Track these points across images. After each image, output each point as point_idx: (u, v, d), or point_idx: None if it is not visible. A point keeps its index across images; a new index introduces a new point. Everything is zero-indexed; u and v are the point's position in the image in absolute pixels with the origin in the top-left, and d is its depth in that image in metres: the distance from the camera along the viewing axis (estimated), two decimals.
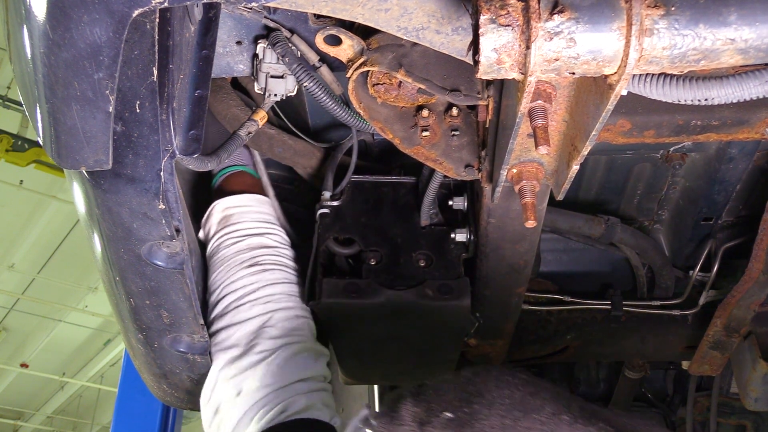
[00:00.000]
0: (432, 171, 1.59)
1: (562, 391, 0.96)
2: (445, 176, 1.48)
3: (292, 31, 1.35)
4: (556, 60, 0.85)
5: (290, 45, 1.35)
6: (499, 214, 1.51)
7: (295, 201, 2.07)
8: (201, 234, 1.66)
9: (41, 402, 15.14)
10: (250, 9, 1.30)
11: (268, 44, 1.36)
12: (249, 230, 1.61)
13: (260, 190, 1.74)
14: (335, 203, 1.69)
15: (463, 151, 1.43)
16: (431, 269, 1.59)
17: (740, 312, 2.02)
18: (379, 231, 1.66)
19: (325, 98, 1.41)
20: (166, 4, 0.84)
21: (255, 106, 1.58)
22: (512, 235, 1.58)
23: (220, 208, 1.65)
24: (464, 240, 1.63)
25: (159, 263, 1.26)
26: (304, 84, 1.38)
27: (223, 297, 1.53)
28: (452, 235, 1.64)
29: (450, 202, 1.67)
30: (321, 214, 1.67)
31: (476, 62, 0.87)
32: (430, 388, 1.00)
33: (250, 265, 1.55)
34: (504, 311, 1.90)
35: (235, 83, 1.75)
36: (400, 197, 1.72)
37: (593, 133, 0.98)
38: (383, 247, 1.63)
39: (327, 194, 1.70)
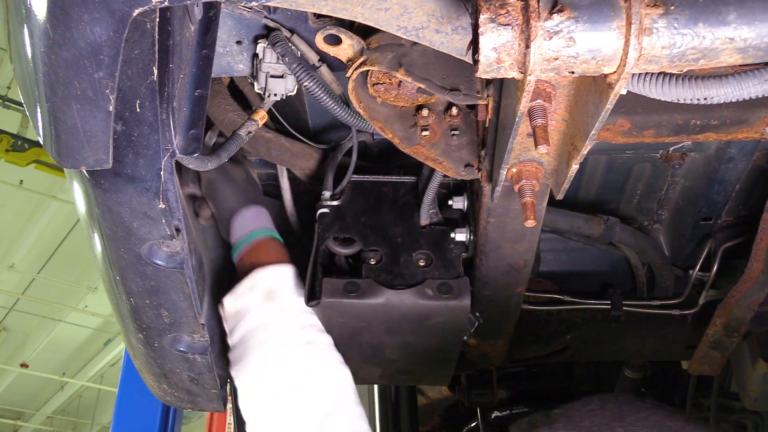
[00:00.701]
0: (432, 170, 1.59)
1: (692, 416, 0.99)
2: (445, 176, 1.48)
3: (292, 31, 1.35)
4: (556, 59, 0.85)
5: (290, 45, 1.35)
6: (499, 214, 1.51)
7: (295, 201, 2.07)
8: (232, 302, 1.57)
9: (41, 402, 15.14)
10: (250, 9, 1.30)
11: (267, 44, 1.36)
12: (298, 307, 1.55)
13: (288, 258, 1.67)
14: (335, 203, 1.69)
15: (462, 150, 1.43)
16: (431, 269, 1.60)
17: (740, 312, 2.02)
18: (378, 230, 1.66)
19: (325, 98, 1.41)
20: (166, 4, 0.84)
21: (255, 106, 1.58)
22: (512, 235, 1.58)
23: (263, 281, 1.56)
24: (464, 239, 1.63)
25: (159, 263, 1.26)
26: (304, 84, 1.38)
27: (280, 377, 1.45)
28: (452, 235, 1.64)
29: (450, 202, 1.67)
30: (321, 213, 1.67)
31: (476, 61, 0.88)
32: (563, 416, 1.00)
33: (306, 343, 1.49)
34: (504, 311, 1.90)
35: (232, 89, 1.75)
36: (399, 197, 1.72)
37: (593, 132, 0.98)
38: (383, 247, 1.63)
39: (327, 194, 1.71)
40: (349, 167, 1.72)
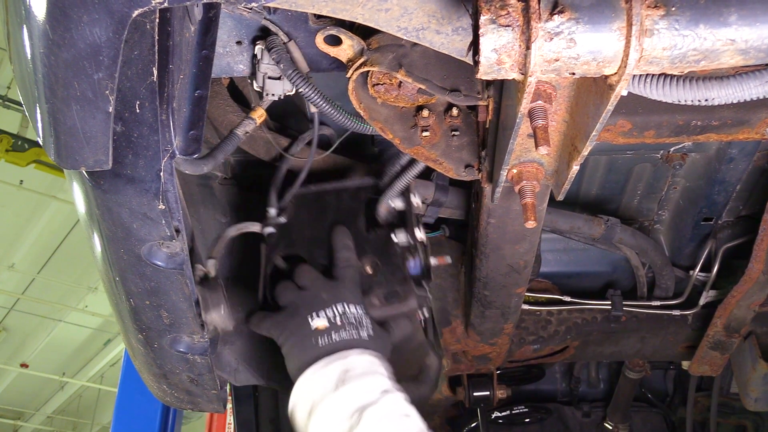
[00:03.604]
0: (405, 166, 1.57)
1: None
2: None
3: (289, 36, 1.35)
4: (556, 60, 0.85)
5: (285, 51, 1.35)
6: (499, 215, 1.51)
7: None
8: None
9: (41, 402, 15.15)
10: (250, 9, 1.30)
11: (264, 48, 1.36)
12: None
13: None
14: (281, 220, 1.63)
15: (463, 151, 1.43)
16: (378, 275, 1.54)
17: (740, 312, 2.02)
18: (323, 243, 1.58)
19: (322, 103, 1.41)
20: (166, 4, 0.84)
21: (254, 105, 1.57)
22: (512, 236, 1.58)
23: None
24: (405, 242, 1.57)
25: (159, 263, 1.25)
26: (300, 89, 1.38)
27: None
28: (392, 237, 1.58)
29: (390, 203, 1.62)
30: (267, 234, 1.62)
31: (476, 62, 0.87)
32: None
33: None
34: (504, 311, 1.90)
35: (231, 90, 1.75)
36: (343, 203, 1.66)
37: (593, 133, 0.98)
38: (329, 260, 1.55)
39: (272, 211, 1.65)
40: (296, 181, 1.68)
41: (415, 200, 1.67)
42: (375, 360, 1.33)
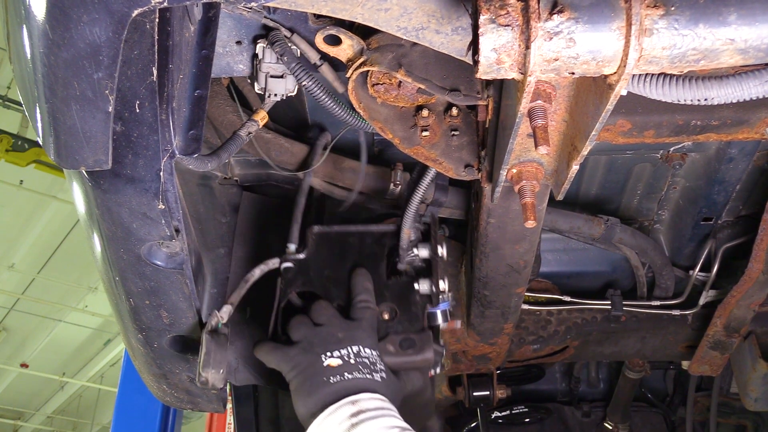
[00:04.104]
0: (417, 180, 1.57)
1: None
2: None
3: (292, 31, 1.35)
4: (556, 60, 0.85)
5: (289, 44, 1.34)
6: (499, 214, 1.51)
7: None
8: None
9: (41, 402, 15.14)
10: (250, 9, 1.30)
11: (267, 44, 1.36)
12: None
13: None
14: (300, 256, 1.63)
15: (462, 151, 1.43)
16: (394, 323, 1.53)
17: (740, 312, 2.02)
18: (342, 284, 1.58)
19: (324, 97, 1.41)
20: (165, 4, 0.84)
21: (255, 107, 1.58)
22: (512, 235, 1.58)
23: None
24: (428, 291, 1.57)
25: (159, 263, 1.26)
26: (303, 83, 1.38)
27: None
28: (416, 286, 1.58)
29: (414, 251, 1.63)
30: (284, 268, 1.61)
31: (476, 62, 0.87)
32: None
33: None
34: (504, 311, 1.90)
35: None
36: (366, 247, 1.66)
37: (593, 133, 0.98)
38: (346, 301, 1.54)
39: (292, 247, 1.65)
40: (296, 212, 1.69)
41: (442, 251, 1.67)
42: (386, 403, 1.29)
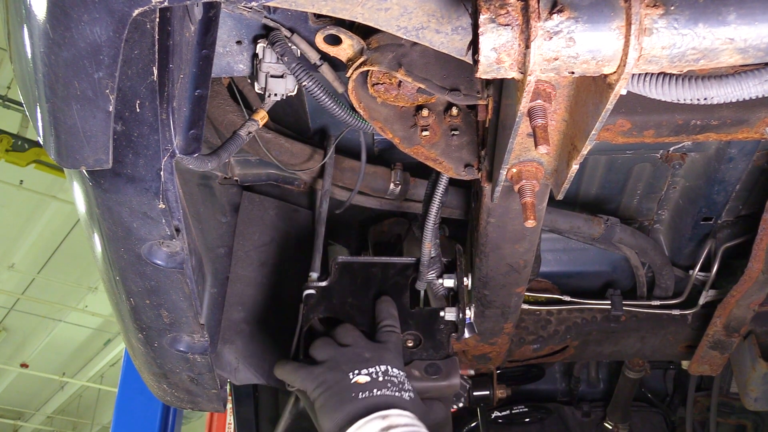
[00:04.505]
0: (430, 196, 1.58)
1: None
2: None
3: (292, 31, 1.35)
4: (556, 59, 0.85)
5: (289, 44, 1.34)
6: (499, 214, 1.51)
7: (296, 201, 2.07)
8: None
9: (41, 402, 15.14)
10: (250, 9, 1.30)
11: (267, 44, 1.36)
12: None
13: None
14: (322, 284, 1.64)
15: (462, 150, 1.43)
16: (419, 350, 1.54)
17: (740, 312, 2.02)
18: (366, 311, 1.59)
19: (324, 97, 1.41)
20: (166, 4, 0.84)
21: (255, 107, 1.58)
22: (512, 235, 1.58)
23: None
24: (453, 319, 1.59)
25: (159, 263, 1.26)
26: (303, 83, 1.38)
27: None
28: (441, 314, 1.59)
29: (440, 281, 1.66)
30: (307, 295, 1.63)
31: (476, 62, 0.88)
32: None
33: None
34: (504, 311, 1.90)
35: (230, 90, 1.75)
36: (389, 278, 1.68)
37: (593, 132, 0.98)
38: (369, 329, 1.55)
39: (314, 275, 1.68)
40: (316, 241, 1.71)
41: (467, 281, 1.69)
42: (416, 420, 1.26)
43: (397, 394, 1.30)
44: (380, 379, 1.31)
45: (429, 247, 1.63)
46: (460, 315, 1.59)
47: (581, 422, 2.98)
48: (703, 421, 2.86)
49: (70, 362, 13.70)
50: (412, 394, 1.33)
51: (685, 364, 2.40)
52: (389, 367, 1.34)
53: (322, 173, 1.84)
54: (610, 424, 2.95)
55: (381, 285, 1.65)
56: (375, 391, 1.28)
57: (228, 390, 1.84)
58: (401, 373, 1.35)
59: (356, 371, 1.31)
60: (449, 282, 1.66)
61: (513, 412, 2.90)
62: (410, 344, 1.55)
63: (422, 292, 1.72)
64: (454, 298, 1.66)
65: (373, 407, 1.25)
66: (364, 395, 1.27)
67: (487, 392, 2.43)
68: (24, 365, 13.42)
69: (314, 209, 1.95)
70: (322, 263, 1.73)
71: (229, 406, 2.96)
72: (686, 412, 2.79)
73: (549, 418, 2.95)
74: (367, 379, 1.31)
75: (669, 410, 3.05)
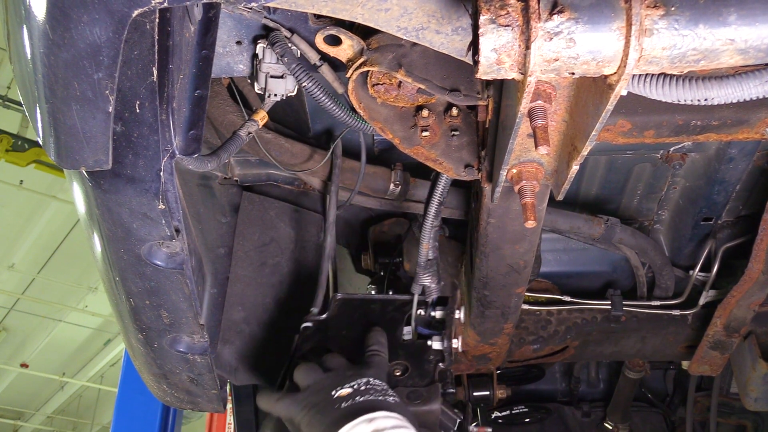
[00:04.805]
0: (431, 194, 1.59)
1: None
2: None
3: (292, 31, 1.35)
4: (556, 60, 0.85)
5: (289, 45, 1.34)
6: (499, 214, 1.51)
7: (296, 201, 2.07)
8: None
9: (41, 402, 15.14)
10: (250, 9, 1.30)
11: (267, 44, 1.36)
12: None
13: None
14: (321, 317, 1.70)
15: (462, 151, 1.43)
16: (405, 378, 1.57)
17: (740, 312, 2.02)
18: (357, 342, 1.62)
19: (323, 98, 1.41)
20: (165, 5, 0.84)
21: (255, 107, 1.58)
22: (512, 235, 1.58)
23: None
24: (440, 347, 1.62)
25: (159, 263, 1.25)
26: (303, 84, 1.38)
27: None
28: (429, 342, 1.63)
29: (432, 313, 1.70)
30: (303, 327, 1.68)
31: (476, 62, 0.87)
32: None
33: None
34: (504, 311, 1.90)
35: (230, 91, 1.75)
36: (387, 313, 1.73)
37: (593, 133, 0.98)
38: (358, 357, 1.57)
39: (315, 310, 1.74)
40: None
41: (460, 314, 1.72)
42: (404, 422, 1.25)
43: (381, 398, 1.30)
44: (362, 388, 1.31)
45: (427, 248, 1.64)
46: (447, 343, 1.62)
47: (581, 422, 2.98)
48: (703, 421, 2.86)
49: (70, 362, 13.70)
50: (396, 399, 1.32)
51: (685, 364, 2.40)
52: (370, 379, 1.35)
53: (325, 182, 1.85)
54: (610, 425, 2.95)
55: (379, 319, 1.70)
56: (358, 398, 1.28)
57: (228, 390, 1.84)
58: (383, 383, 1.36)
59: (338, 387, 1.32)
60: (440, 314, 1.71)
61: (513, 412, 2.90)
62: (398, 373, 1.58)
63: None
64: (441, 326, 1.69)
65: (358, 411, 1.24)
66: (347, 404, 1.27)
67: (487, 392, 2.42)
68: (24, 365, 13.42)
69: (324, 211, 1.96)
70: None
71: (229, 406, 2.96)
72: (686, 413, 2.79)
73: (549, 418, 2.95)
74: (350, 390, 1.30)
75: (669, 410, 3.05)
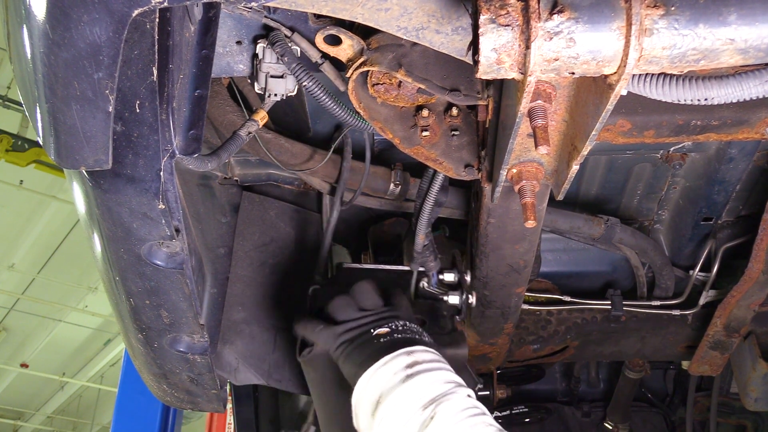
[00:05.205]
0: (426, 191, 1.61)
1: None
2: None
3: (292, 31, 1.35)
4: (556, 60, 0.85)
5: (289, 44, 1.34)
6: (499, 214, 1.51)
7: (296, 201, 2.07)
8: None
9: (41, 402, 15.14)
10: (250, 9, 1.30)
11: (267, 44, 1.36)
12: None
13: None
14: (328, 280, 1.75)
15: (462, 150, 1.43)
16: (424, 329, 1.58)
17: (740, 312, 2.02)
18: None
19: (323, 97, 1.41)
20: (165, 4, 0.84)
21: (255, 107, 1.57)
22: (512, 235, 1.58)
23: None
24: (456, 303, 1.65)
25: (159, 263, 1.25)
26: (303, 83, 1.38)
27: None
28: (445, 298, 1.66)
29: (441, 276, 1.73)
30: (312, 290, 1.70)
31: (476, 62, 0.88)
32: None
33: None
34: (504, 311, 1.90)
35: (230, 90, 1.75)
36: (390, 282, 1.76)
37: (593, 133, 0.98)
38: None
39: (318, 278, 1.79)
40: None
41: (468, 277, 1.75)
42: (441, 357, 1.31)
43: (417, 337, 1.36)
44: (400, 328, 1.37)
45: (422, 238, 1.66)
46: (465, 296, 1.65)
47: (581, 422, 2.98)
48: (703, 421, 2.86)
49: (70, 362, 13.70)
50: (431, 340, 1.38)
51: (685, 364, 2.40)
52: (406, 322, 1.41)
53: (328, 178, 1.84)
54: (610, 425, 2.95)
55: (385, 288, 1.70)
56: (396, 335, 1.35)
57: (228, 390, 1.84)
58: (418, 327, 1.42)
59: (377, 327, 1.38)
60: (450, 276, 1.71)
61: (513, 412, 2.90)
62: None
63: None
64: (457, 287, 1.72)
65: (397, 344, 1.31)
66: (386, 339, 1.33)
67: (487, 392, 2.43)
68: (24, 365, 13.42)
69: (322, 210, 1.98)
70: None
71: (229, 406, 2.95)
72: (686, 413, 2.79)
73: (549, 418, 2.95)
74: (388, 329, 1.37)
75: (669, 410, 3.05)
